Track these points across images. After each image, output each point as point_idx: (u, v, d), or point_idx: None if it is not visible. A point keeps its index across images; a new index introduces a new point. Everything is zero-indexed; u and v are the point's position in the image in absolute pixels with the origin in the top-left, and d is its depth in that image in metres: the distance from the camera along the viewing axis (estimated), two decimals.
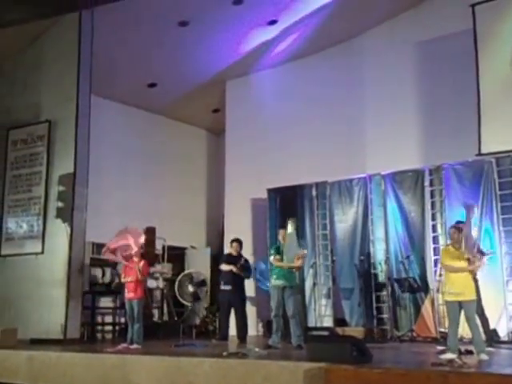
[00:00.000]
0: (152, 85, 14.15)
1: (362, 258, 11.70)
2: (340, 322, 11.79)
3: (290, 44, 13.18)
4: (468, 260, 7.65)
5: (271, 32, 12.74)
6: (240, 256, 10.93)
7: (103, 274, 13.09)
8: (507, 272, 10.25)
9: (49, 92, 11.89)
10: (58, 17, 11.53)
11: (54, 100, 11.75)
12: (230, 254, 11.07)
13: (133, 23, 11.76)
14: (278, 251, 9.47)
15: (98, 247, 12.93)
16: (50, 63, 11.95)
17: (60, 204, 11.32)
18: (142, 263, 9.92)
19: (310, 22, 12.41)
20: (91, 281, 12.84)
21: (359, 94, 12.92)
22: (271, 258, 9.60)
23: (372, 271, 11.61)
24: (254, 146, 14.07)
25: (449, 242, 8.32)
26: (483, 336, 8.26)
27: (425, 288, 10.97)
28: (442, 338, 9.92)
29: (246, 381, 6.82)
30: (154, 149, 14.93)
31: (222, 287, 10.88)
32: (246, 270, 10.86)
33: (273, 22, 12.43)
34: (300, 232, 12.23)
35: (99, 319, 13.04)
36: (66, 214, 11.15)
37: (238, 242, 11.07)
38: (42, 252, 11.35)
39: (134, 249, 9.96)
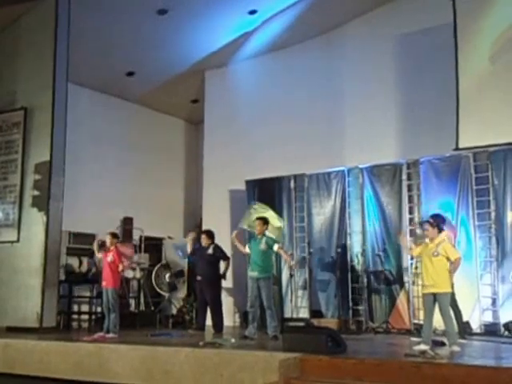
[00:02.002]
0: (130, 73, 14.06)
1: (339, 250, 11.76)
2: (316, 313, 11.86)
3: (270, 35, 13.18)
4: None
5: (251, 22, 12.73)
6: (209, 245, 10.92)
7: (80, 264, 13.03)
8: (481, 266, 10.39)
9: (25, 79, 11.77)
10: (33, 2, 11.39)
11: (30, 87, 11.64)
12: (201, 246, 11.08)
13: (111, 10, 11.65)
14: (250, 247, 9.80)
15: (75, 236, 12.91)
16: (26, 50, 11.83)
17: (36, 192, 11.27)
18: (112, 252, 9.95)
19: (290, 12, 12.43)
20: (67, 270, 12.76)
21: (338, 86, 12.94)
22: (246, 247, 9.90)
23: (348, 263, 11.68)
24: (233, 137, 14.07)
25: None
26: (456, 328, 8.37)
27: (400, 281, 11.06)
28: (416, 330, 10.05)
29: (222, 370, 6.87)
30: (132, 138, 14.88)
31: (197, 278, 10.97)
32: (219, 255, 10.92)
33: (253, 12, 12.41)
34: None
35: (75, 308, 13.01)
36: (42, 202, 11.09)
37: (205, 233, 11.15)
38: (18, 240, 11.29)
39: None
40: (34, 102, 11.53)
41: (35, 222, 11.12)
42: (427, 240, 8.02)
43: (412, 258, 10.40)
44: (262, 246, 9.52)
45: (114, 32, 12.29)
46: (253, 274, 9.48)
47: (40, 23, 11.62)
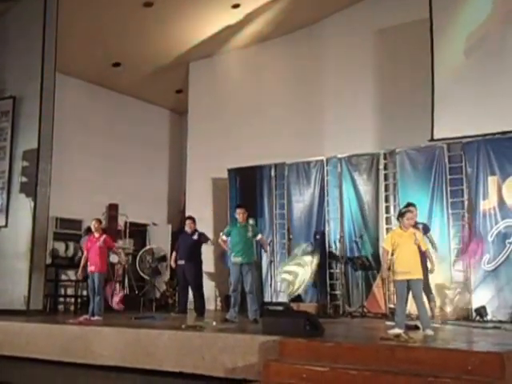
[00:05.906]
0: (116, 64, 14.16)
1: (318, 236, 12.02)
2: (295, 297, 12.13)
3: (253, 28, 13.34)
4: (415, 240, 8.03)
5: (234, 15, 12.86)
6: (194, 231, 11.33)
7: (66, 248, 13.23)
8: (454, 253, 10.70)
9: (13, 68, 11.91)
10: None
11: (19, 76, 11.79)
12: (185, 232, 11.50)
13: (98, 2, 11.76)
14: (229, 234, 10.05)
15: (62, 222, 13.12)
16: (15, 39, 11.93)
17: (24, 179, 11.45)
18: (103, 237, 10.19)
19: (273, 6, 12.56)
20: (54, 254, 12.97)
21: (319, 78, 13.16)
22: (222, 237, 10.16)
23: (327, 249, 11.93)
24: (216, 127, 14.25)
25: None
26: (429, 312, 8.69)
27: (376, 266, 11.21)
28: (391, 314, 10.29)
29: (204, 352, 7.05)
30: (118, 127, 15.02)
31: (178, 262, 11.28)
32: (203, 241, 11.43)
33: (236, 6, 12.53)
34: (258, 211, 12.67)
35: (62, 291, 13.21)
36: (30, 188, 11.27)
37: (191, 219, 11.54)
38: (6, 225, 11.48)
39: None
40: (22, 92, 11.69)
41: (23, 207, 11.31)
42: (399, 228, 8.25)
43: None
44: (249, 233, 9.86)
45: (101, 23, 12.40)
46: (237, 259, 9.74)
47: (29, 14, 11.73)
